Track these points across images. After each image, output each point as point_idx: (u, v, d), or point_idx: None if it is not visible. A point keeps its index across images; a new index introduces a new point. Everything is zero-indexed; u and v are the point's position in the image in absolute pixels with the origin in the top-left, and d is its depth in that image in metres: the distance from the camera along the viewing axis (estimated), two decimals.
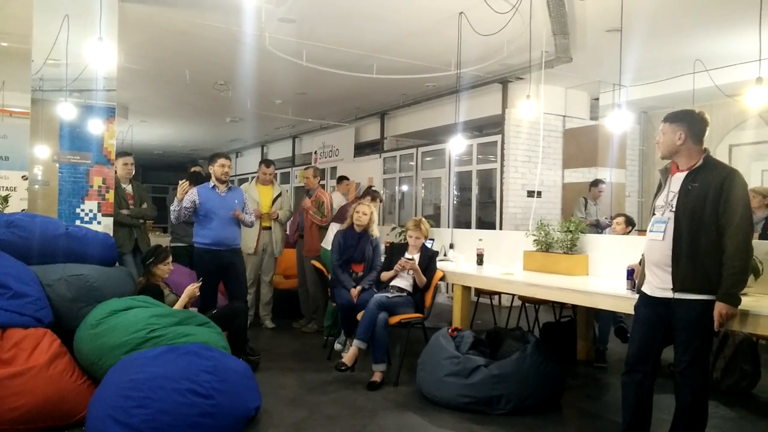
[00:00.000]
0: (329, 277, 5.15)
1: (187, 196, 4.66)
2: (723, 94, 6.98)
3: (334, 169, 11.99)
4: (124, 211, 5.17)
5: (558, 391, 3.88)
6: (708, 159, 2.79)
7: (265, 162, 6.34)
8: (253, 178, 6.50)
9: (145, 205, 5.46)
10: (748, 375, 4.21)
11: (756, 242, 3.39)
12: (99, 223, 4.71)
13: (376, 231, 5.09)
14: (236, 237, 4.93)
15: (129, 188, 5.39)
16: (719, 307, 2.61)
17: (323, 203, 5.97)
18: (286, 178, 14.02)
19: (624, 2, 4.96)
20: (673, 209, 2.76)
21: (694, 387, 2.72)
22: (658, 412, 2.93)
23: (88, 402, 3.13)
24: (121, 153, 5.38)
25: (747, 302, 2.79)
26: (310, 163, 12.16)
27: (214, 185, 4.87)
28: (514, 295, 5.97)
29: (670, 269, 2.73)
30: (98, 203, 4.73)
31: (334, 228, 5.46)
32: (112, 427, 2.87)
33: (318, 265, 5.29)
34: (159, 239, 6.97)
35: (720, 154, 7.95)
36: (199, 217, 4.79)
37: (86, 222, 4.65)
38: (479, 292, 6.39)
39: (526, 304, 5.84)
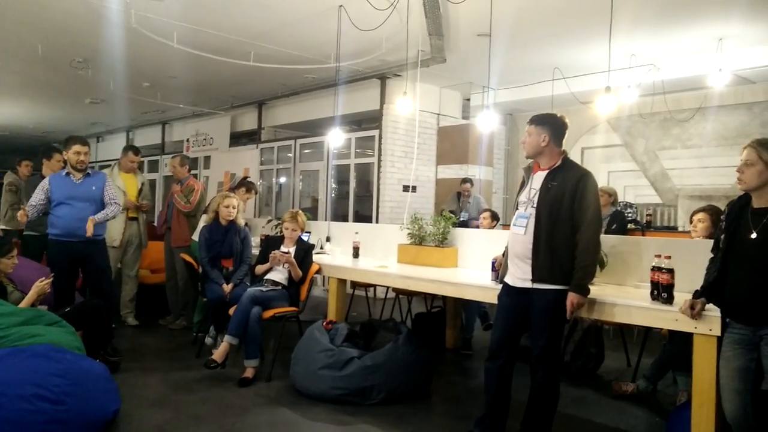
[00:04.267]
0: (199, 270, 4.92)
1: (38, 188, 4.22)
2: (577, 101, 7.64)
3: (207, 158, 11.50)
4: None
5: (427, 378, 4.03)
6: (566, 160, 3.03)
7: (134, 149, 5.91)
8: (114, 164, 6.01)
9: None
10: (594, 357, 4.65)
11: (605, 237, 3.75)
12: None
13: (241, 220, 4.95)
14: (94, 227, 4.49)
15: None
16: (571, 297, 2.84)
17: (193, 191, 5.68)
18: (154, 167, 13.20)
19: (493, 9, 5.23)
20: (535, 205, 2.97)
21: (548, 370, 2.95)
22: (514, 393, 3.14)
23: None
24: None
25: (593, 291, 3.07)
26: (182, 152, 11.54)
27: (69, 172, 4.44)
28: (389, 287, 6.11)
29: (530, 261, 2.93)
30: None
31: (203, 220, 5.22)
32: None
33: (187, 258, 5.04)
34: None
35: (573, 157, 8.57)
36: (52, 206, 4.34)
37: None
38: (355, 284, 6.46)
39: (400, 296, 6.00)
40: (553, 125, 3.01)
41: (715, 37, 6.12)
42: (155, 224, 6.61)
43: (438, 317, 5.43)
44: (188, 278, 5.30)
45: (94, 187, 4.45)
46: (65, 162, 4.54)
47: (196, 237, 5.26)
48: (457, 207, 7.58)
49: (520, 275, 3.00)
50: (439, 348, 5.19)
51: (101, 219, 4.37)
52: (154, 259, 6.49)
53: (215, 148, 11.23)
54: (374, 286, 6.45)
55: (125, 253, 5.72)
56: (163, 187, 12.68)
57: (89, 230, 4.23)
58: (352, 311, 6.32)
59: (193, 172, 11.35)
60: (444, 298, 5.26)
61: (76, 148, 4.38)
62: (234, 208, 4.86)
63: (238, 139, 11.18)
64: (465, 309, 5.25)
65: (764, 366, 2.35)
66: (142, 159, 6.67)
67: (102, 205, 4.45)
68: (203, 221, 5.08)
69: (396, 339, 3.93)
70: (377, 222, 8.15)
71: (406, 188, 8.34)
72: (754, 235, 2.38)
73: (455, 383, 4.45)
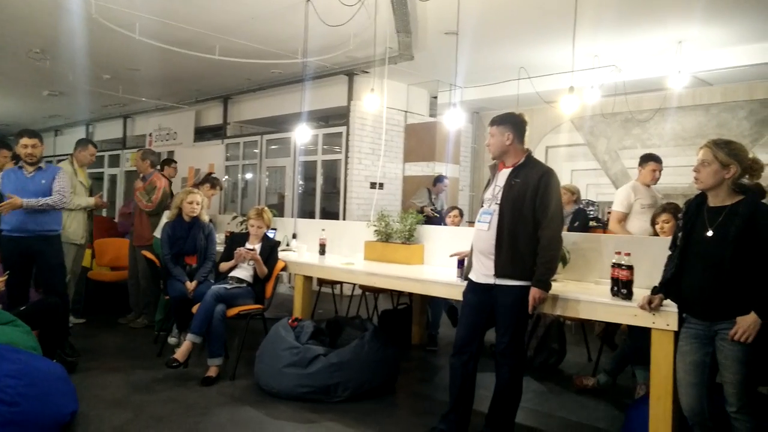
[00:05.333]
0: (161, 267, 4.82)
1: None
2: (542, 100, 7.77)
3: (171, 153, 11.25)
4: None
5: (393, 375, 4.04)
6: (529, 158, 3.07)
7: (92, 142, 5.74)
8: (68, 158, 5.79)
9: None
10: (556, 352, 4.74)
11: (567, 234, 3.82)
12: None
13: (205, 216, 4.88)
14: (46, 222, 4.29)
15: None
16: (533, 292, 2.89)
17: (155, 188, 5.55)
18: (115, 161, 12.86)
19: (460, 8, 5.27)
20: (498, 202, 3.00)
21: (512, 365, 2.99)
22: (479, 389, 3.17)
23: None
24: None
25: (556, 287, 3.13)
26: (144, 146, 11.28)
27: (21, 166, 4.30)
28: (355, 284, 6.10)
29: (493, 257, 2.97)
30: None
31: (166, 216, 5.11)
32: None
33: (149, 255, 4.93)
34: None
35: (538, 155, 8.83)
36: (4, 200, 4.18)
37: None
38: (321, 281, 6.43)
39: (367, 293, 6.00)
40: (514, 123, 3.06)
41: (674, 40, 6.29)
42: (116, 220, 6.45)
43: (404, 314, 5.45)
44: (150, 276, 5.19)
45: (43, 181, 4.29)
46: (14, 156, 4.38)
47: (158, 234, 5.15)
48: (429, 201, 7.59)
49: (483, 271, 3.03)
50: (406, 344, 5.21)
51: (31, 205, 4.13)
52: (114, 256, 6.34)
53: (179, 143, 11.01)
54: (341, 283, 6.43)
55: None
56: (125, 182, 12.37)
57: (15, 204, 4.02)
58: (319, 308, 6.29)
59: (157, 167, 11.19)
60: (410, 294, 5.28)
61: (24, 141, 4.26)
62: (198, 204, 4.78)
63: (202, 134, 10.98)
64: (431, 305, 5.27)
65: (718, 360, 2.43)
66: (101, 153, 6.51)
67: None
68: (166, 217, 4.98)
69: (362, 336, 3.92)
70: (344, 219, 8.12)
71: (373, 185, 8.34)
72: (710, 233, 2.45)
73: (421, 379, 4.47)
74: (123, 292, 5.85)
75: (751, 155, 2.49)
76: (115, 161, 12.87)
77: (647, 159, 4.91)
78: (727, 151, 2.45)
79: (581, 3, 5.03)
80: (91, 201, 5.38)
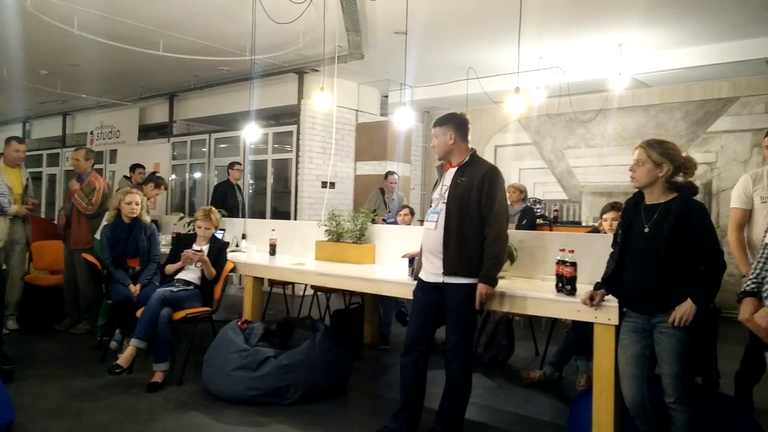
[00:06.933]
0: (103, 270, 4.65)
1: None
2: (490, 100, 7.91)
3: (114, 152, 10.89)
4: None
5: (345, 375, 4.03)
6: (474, 156, 3.12)
7: (17, 138, 5.47)
8: None
9: None
10: (505, 348, 4.83)
11: (513, 231, 3.90)
12: None
13: (146, 217, 4.74)
14: None
15: None
16: (480, 288, 2.93)
17: (95, 189, 5.34)
18: (54, 160, 12.33)
19: (409, 8, 5.29)
20: (445, 201, 3.04)
21: (461, 363, 3.03)
22: (429, 386, 3.20)
23: None
24: None
25: (504, 284, 3.19)
26: (85, 144, 10.86)
27: None
28: (306, 284, 6.05)
29: (442, 256, 3.00)
30: None
31: (105, 218, 4.92)
32: None
33: (90, 258, 4.74)
34: None
35: (487, 154, 9.00)
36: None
37: None
38: (273, 282, 6.35)
39: (318, 293, 5.96)
40: (456, 122, 3.10)
41: (615, 43, 6.51)
42: (56, 222, 6.19)
43: (356, 313, 5.44)
44: (90, 280, 5.00)
45: None
46: None
47: (98, 236, 4.96)
48: (381, 204, 7.56)
49: (432, 270, 3.06)
50: (358, 344, 5.20)
51: None
52: (53, 260, 6.06)
53: (122, 142, 10.65)
54: (292, 283, 6.37)
55: (11, 254, 5.29)
56: (64, 182, 11.87)
57: None
58: (270, 309, 6.21)
59: (98, 166, 10.80)
60: (362, 294, 5.27)
61: None
62: (137, 204, 4.63)
63: (147, 132, 10.67)
64: (383, 305, 5.29)
65: (657, 352, 2.53)
66: (37, 152, 6.24)
67: None
68: (105, 219, 4.79)
69: (313, 337, 3.89)
70: (296, 218, 8.05)
71: (324, 184, 8.29)
72: (646, 230, 2.55)
73: (373, 379, 4.47)
74: (60, 297, 5.60)
75: (684, 154, 2.61)
76: (54, 160, 12.33)
77: None
78: (659, 150, 2.56)
79: (526, 5, 5.14)
80: (15, 209, 5.14)
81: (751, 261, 2.96)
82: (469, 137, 3.15)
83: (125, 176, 7.40)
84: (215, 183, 8.61)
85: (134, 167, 7.15)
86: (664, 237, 2.46)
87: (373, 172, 8.62)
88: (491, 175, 3.00)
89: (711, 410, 2.83)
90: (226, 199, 7.21)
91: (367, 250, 4.67)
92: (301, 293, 7.01)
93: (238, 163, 7.75)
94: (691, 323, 2.41)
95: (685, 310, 2.40)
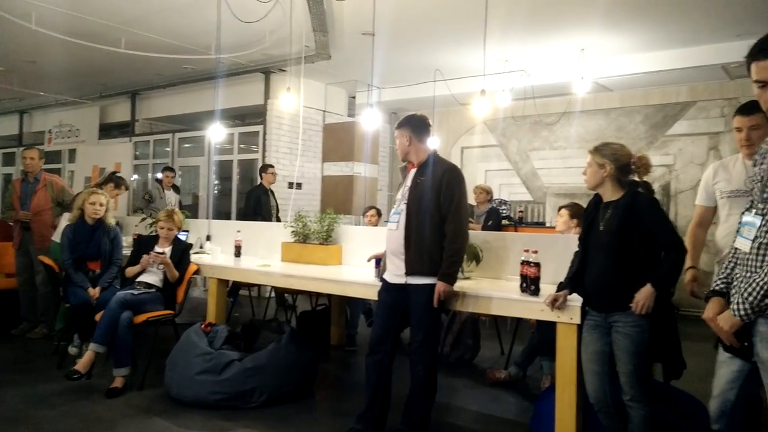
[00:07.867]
0: (60, 273, 4.52)
1: None
2: (457, 102, 7.97)
3: (72, 151, 10.59)
4: None
5: (311, 377, 3.99)
6: (433, 156, 3.15)
7: None
8: None
9: None
10: (471, 348, 4.88)
11: (479, 232, 3.94)
12: None
13: (111, 219, 4.63)
14: None
15: None
16: (438, 286, 2.95)
17: (63, 189, 5.18)
18: (10, 160, 11.95)
19: (376, 9, 5.30)
20: (406, 201, 3.05)
21: (426, 363, 3.04)
22: (395, 387, 3.20)
23: None
24: None
25: (469, 285, 3.22)
26: (43, 143, 10.55)
27: None
28: (272, 286, 5.99)
29: (403, 256, 3.01)
30: None
31: (66, 218, 4.79)
32: None
33: (47, 260, 4.60)
34: None
35: (454, 156, 9.08)
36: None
37: None
38: (238, 284, 6.26)
39: (285, 294, 5.90)
40: (412, 124, 3.14)
41: (577, 47, 6.65)
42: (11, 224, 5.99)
43: (323, 315, 5.41)
44: (48, 282, 4.84)
45: None
46: None
47: (57, 238, 4.82)
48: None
49: (395, 271, 3.07)
50: (324, 346, 5.17)
51: None
52: (10, 262, 5.84)
53: (82, 141, 10.37)
54: (258, 285, 6.30)
55: None
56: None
57: None
58: (235, 312, 6.13)
59: (56, 166, 10.50)
60: (329, 295, 5.25)
61: None
62: (102, 205, 4.51)
63: (108, 131, 10.42)
64: (349, 306, 5.27)
65: (614, 351, 2.58)
66: None
67: None
68: (66, 220, 4.66)
69: (279, 339, 3.85)
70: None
71: (291, 185, 8.23)
72: (601, 227, 2.62)
73: (339, 380, 4.46)
74: (14, 300, 5.41)
75: (639, 154, 2.68)
76: (10, 159, 11.96)
77: None
78: (602, 152, 2.66)
79: (492, 9, 5.20)
80: None
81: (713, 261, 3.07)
82: (429, 138, 3.17)
83: (156, 179, 7.18)
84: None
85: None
86: (614, 232, 2.53)
87: (340, 173, 8.59)
88: (450, 174, 3.03)
89: (670, 406, 2.91)
90: (260, 204, 6.86)
91: (334, 252, 4.65)
92: (267, 295, 6.94)
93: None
94: (646, 321, 2.46)
95: (644, 296, 2.45)
